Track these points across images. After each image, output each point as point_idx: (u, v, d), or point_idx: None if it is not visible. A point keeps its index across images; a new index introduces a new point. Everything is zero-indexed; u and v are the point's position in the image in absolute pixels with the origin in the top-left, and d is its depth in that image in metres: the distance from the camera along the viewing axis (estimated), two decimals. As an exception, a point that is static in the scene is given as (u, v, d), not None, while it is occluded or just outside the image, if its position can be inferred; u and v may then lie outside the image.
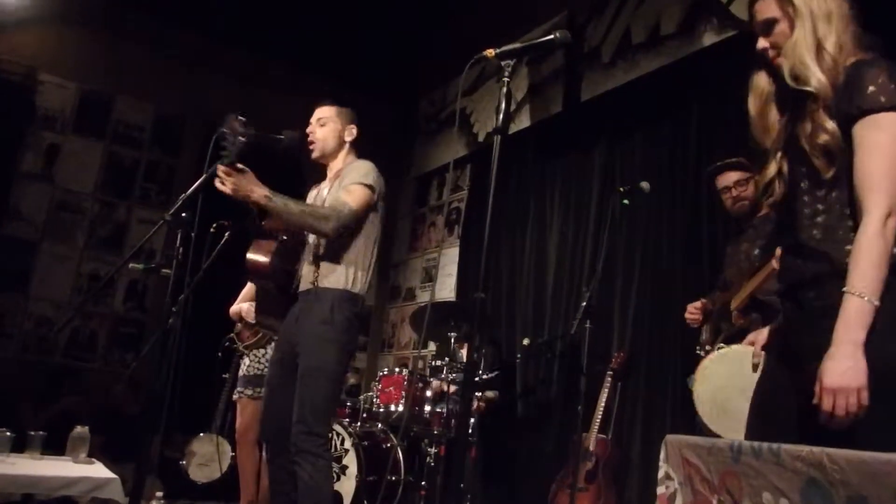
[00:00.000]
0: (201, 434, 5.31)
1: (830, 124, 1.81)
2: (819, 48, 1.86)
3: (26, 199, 6.62)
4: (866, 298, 1.68)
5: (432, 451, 4.89)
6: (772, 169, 2.00)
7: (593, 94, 5.71)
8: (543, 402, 5.71)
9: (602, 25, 5.72)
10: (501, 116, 2.19)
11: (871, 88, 1.76)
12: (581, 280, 5.59)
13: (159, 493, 4.50)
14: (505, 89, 2.21)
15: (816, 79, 1.84)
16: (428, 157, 8.01)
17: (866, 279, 1.69)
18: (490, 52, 2.23)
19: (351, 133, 3.51)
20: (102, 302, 6.83)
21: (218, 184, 2.98)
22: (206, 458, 5.22)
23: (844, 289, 1.71)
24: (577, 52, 5.83)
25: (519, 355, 5.87)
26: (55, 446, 3.77)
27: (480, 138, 6.95)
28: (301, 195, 3.66)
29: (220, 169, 2.94)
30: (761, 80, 2.03)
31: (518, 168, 6.57)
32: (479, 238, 2.12)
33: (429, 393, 4.97)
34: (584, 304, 4.27)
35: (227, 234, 4.14)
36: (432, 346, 6.43)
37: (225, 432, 5.32)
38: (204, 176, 2.99)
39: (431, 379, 5.06)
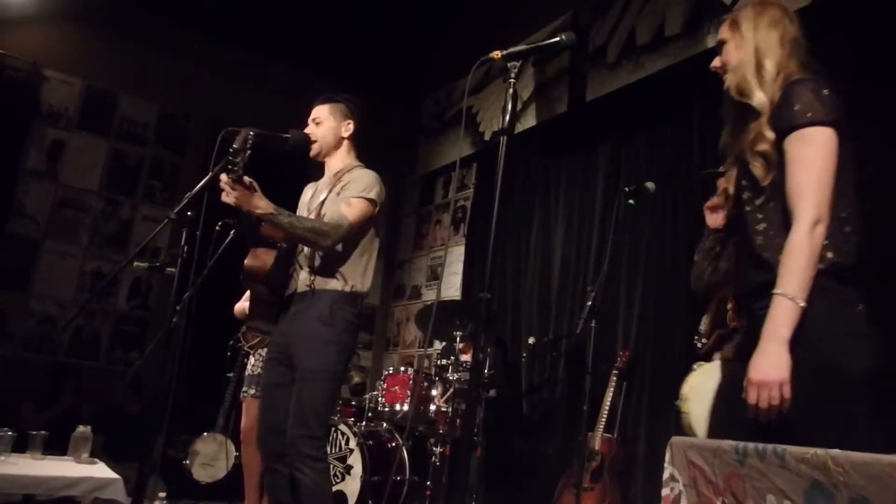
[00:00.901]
0: (205, 434, 5.30)
1: (770, 133, 1.97)
2: (759, 67, 2.06)
3: (30, 197, 6.61)
4: (794, 299, 1.82)
5: (437, 450, 4.89)
6: (724, 182, 2.21)
7: (598, 95, 5.69)
8: (548, 402, 5.71)
9: (607, 26, 5.71)
10: (507, 117, 2.19)
11: (798, 105, 1.93)
12: (586, 280, 5.59)
13: (162, 494, 4.51)
14: (511, 90, 2.21)
15: (757, 94, 2.04)
16: (433, 156, 8.00)
17: (794, 281, 1.83)
18: (496, 54, 2.23)
19: (348, 128, 3.49)
20: (106, 300, 6.84)
21: (223, 195, 2.98)
22: (209, 458, 5.22)
23: (774, 290, 1.84)
24: (582, 52, 5.82)
25: (524, 354, 5.87)
26: (57, 446, 3.77)
27: (486, 137, 6.94)
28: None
29: (224, 181, 2.93)
30: (728, 103, 2.19)
31: (524, 167, 6.58)
32: (485, 237, 2.12)
33: (434, 392, 4.97)
34: (589, 303, 4.27)
35: (231, 232, 4.14)
36: (438, 345, 6.43)
37: (229, 432, 5.32)
38: (209, 174, 2.99)
39: (437, 378, 5.05)
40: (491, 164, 6.67)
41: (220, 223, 4.08)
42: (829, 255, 1.90)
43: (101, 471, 3.48)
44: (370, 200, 3.29)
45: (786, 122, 1.94)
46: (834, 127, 1.92)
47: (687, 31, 4.96)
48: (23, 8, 6.64)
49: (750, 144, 2.01)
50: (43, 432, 3.70)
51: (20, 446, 3.62)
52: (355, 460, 4.80)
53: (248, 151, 2.90)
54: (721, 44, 2.21)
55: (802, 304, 1.82)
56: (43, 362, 6.44)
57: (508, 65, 2.22)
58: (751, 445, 1.64)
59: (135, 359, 6.71)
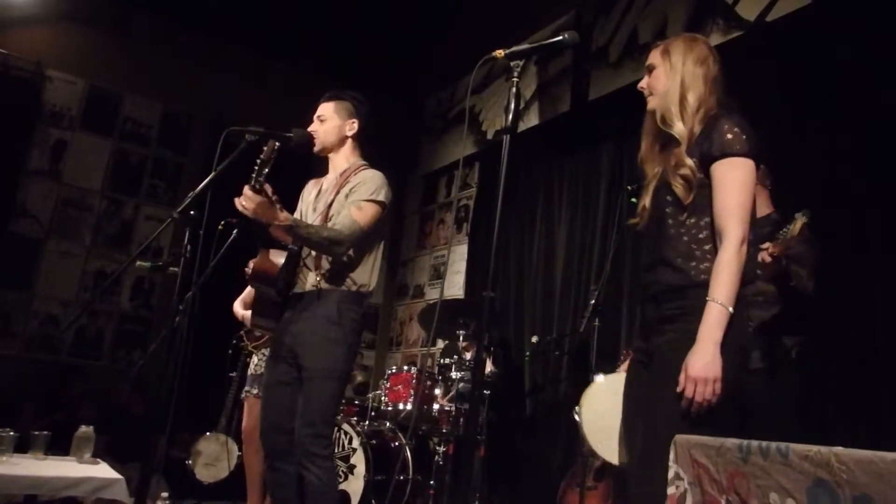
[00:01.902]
0: (207, 433, 5.30)
1: (689, 160, 2.22)
2: (683, 100, 2.30)
3: (33, 196, 6.62)
4: (725, 306, 2.07)
5: (441, 449, 4.89)
6: (642, 202, 2.43)
7: (601, 94, 5.69)
8: (552, 401, 5.70)
9: (609, 25, 5.70)
10: (510, 116, 2.19)
11: (729, 136, 2.18)
12: (589, 278, 5.58)
13: (165, 494, 4.50)
14: (514, 89, 2.21)
15: (678, 125, 2.28)
16: (435, 155, 8.01)
17: (725, 290, 2.08)
18: (499, 53, 2.24)
19: (352, 127, 3.49)
20: (109, 300, 6.84)
21: (240, 205, 2.98)
22: (212, 458, 5.22)
23: (708, 298, 2.09)
24: (584, 51, 5.82)
25: (528, 353, 5.87)
26: (60, 447, 3.77)
27: (489, 136, 6.95)
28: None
29: (247, 192, 2.93)
30: (647, 124, 2.45)
31: (526, 166, 6.57)
32: (488, 236, 2.15)
33: (437, 391, 4.96)
34: (593, 302, 4.27)
35: (234, 232, 4.14)
36: (441, 344, 6.43)
37: (231, 432, 5.32)
38: (213, 174, 2.99)
39: (440, 377, 5.04)
40: (494, 163, 6.64)
41: (222, 222, 4.08)
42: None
43: (104, 471, 3.47)
44: (380, 203, 3.31)
45: (717, 149, 2.18)
46: (754, 160, 2.19)
47: (689, 30, 4.94)
48: (26, 8, 6.65)
49: (673, 168, 2.25)
50: (45, 432, 3.68)
51: (22, 446, 3.61)
52: (358, 459, 4.80)
53: (272, 161, 2.91)
54: (650, 68, 2.42)
55: (731, 310, 2.07)
56: (46, 362, 6.44)
57: (511, 64, 2.22)
58: (754, 443, 1.65)
59: (138, 358, 6.71)
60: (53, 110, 6.78)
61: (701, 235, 2.21)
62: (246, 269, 3.46)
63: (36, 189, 6.64)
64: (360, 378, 6.26)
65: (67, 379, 6.30)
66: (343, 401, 5.42)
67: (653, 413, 2.16)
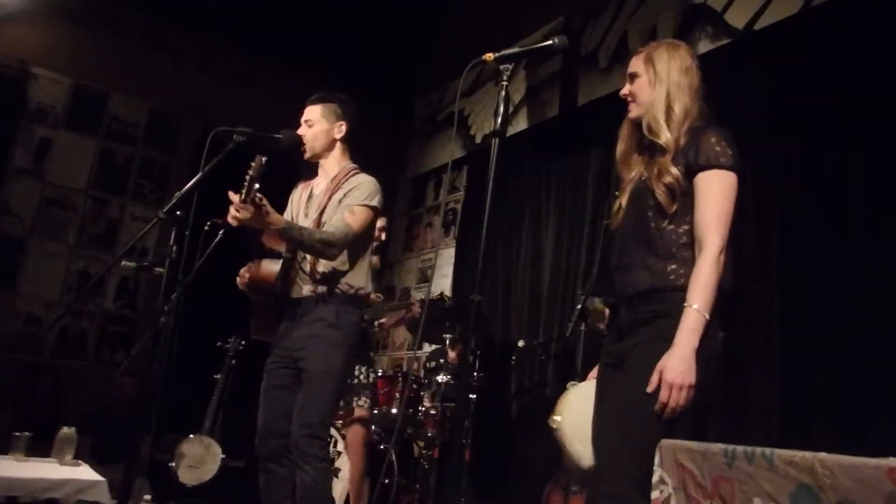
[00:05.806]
0: (191, 435, 5.26)
1: (674, 169, 2.25)
2: (669, 110, 2.33)
3: (16, 195, 6.55)
4: (702, 312, 2.11)
5: (426, 453, 4.88)
6: (618, 202, 2.48)
7: (590, 99, 5.71)
8: (538, 405, 5.70)
9: (599, 30, 5.72)
10: (499, 119, 2.19)
11: (717, 148, 2.23)
12: (576, 283, 5.59)
13: (147, 496, 4.45)
14: (503, 93, 2.21)
15: (665, 134, 2.30)
16: (424, 158, 8.01)
17: (703, 297, 2.12)
18: (489, 57, 2.23)
19: (340, 130, 3.50)
20: (93, 300, 6.78)
21: (231, 218, 2.98)
22: (195, 460, 5.17)
23: (686, 304, 2.13)
24: (574, 56, 5.83)
25: (514, 357, 5.86)
26: (41, 449, 3.73)
27: (478, 140, 6.95)
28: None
29: (235, 204, 2.93)
30: (625, 129, 2.50)
31: (515, 170, 6.57)
32: (476, 239, 2.15)
33: (423, 395, 4.95)
34: (579, 306, 4.28)
35: (220, 232, 4.12)
36: (427, 347, 6.42)
37: (216, 434, 5.29)
38: (199, 174, 2.98)
39: (426, 381, 5.04)
40: (482, 166, 6.67)
41: (208, 223, 4.06)
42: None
43: (85, 473, 3.45)
44: (372, 208, 3.35)
45: (703, 160, 2.22)
46: (737, 174, 2.24)
47: (678, 38, 4.94)
48: (11, 4, 6.58)
49: (657, 176, 2.29)
50: (26, 433, 3.65)
51: (3, 448, 3.58)
52: (343, 463, 4.79)
53: (260, 177, 2.91)
54: (633, 76, 2.44)
55: (708, 316, 2.12)
56: (29, 362, 6.37)
57: (501, 67, 2.22)
58: (739, 448, 1.66)
59: (122, 359, 6.65)
60: (38, 108, 6.71)
61: (681, 241, 2.26)
62: (239, 280, 3.43)
63: (20, 187, 6.56)
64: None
65: (50, 379, 6.23)
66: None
67: (624, 413, 2.19)
